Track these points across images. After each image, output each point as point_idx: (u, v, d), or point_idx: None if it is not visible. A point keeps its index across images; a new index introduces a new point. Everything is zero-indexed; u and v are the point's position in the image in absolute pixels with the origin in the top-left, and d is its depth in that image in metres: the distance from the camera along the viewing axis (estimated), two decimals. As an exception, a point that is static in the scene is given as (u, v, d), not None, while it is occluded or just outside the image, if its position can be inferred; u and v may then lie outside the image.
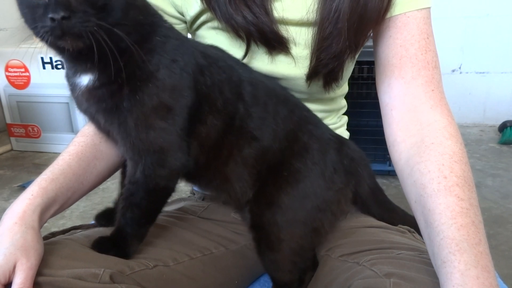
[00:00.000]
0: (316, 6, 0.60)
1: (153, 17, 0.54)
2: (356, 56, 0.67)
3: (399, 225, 0.65)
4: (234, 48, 0.64)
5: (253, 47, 0.63)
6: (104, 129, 0.57)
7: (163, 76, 0.52)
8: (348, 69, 0.70)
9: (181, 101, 0.53)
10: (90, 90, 0.52)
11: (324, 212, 0.59)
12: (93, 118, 0.56)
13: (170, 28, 0.56)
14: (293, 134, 0.60)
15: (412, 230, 0.64)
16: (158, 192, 0.55)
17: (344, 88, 0.77)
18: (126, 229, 0.54)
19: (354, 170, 0.63)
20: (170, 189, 0.56)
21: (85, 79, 0.52)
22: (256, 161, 0.59)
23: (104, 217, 0.64)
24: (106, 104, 0.51)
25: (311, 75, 0.63)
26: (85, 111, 0.55)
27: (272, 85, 0.63)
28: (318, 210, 0.59)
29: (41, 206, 0.52)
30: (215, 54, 0.59)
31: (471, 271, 0.42)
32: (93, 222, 0.69)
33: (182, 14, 0.68)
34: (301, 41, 0.63)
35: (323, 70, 0.62)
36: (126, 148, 0.54)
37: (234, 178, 0.59)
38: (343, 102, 0.79)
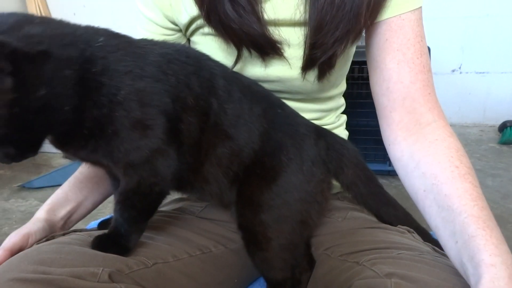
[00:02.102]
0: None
1: (82, 52, 0.48)
2: (352, 50, 0.66)
3: (399, 226, 0.65)
4: (227, 54, 0.64)
5: (246, 53, 0.63)
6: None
7: (125, 97, 0.49)
8: (346, 64, 0.70)
9: (153, 109, 0.51)
10: (57, 144, 0.52)
11: (309, 203, 0.59)
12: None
13: (104, 43, 0.51)
14: (266, 134, 0.59)
15: (411, 230, 0.64)
16: (153, 197, 0.55)
17: (341, 86, 0.76)
18: (124, 225, 0.54)
19: (331, 159, 0.62)
20: (165, 193, 0.57)
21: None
22: (231, 162, 0.58)
23: (108, 226, 0.64)
24: (80, 150, 0.51)
25: (307, 66, 0.63)
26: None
27: (247, 82, 0.62)
28: (302, 202, 0.59)
29: (49, 204, 0.65)
30: (173, 49, 0.57)
31: (503, 246, 0.44)
32: (89, 226, 0.70)
33: (174, 23, 0.68)
34: (295, 41, 0.63)
35: (323, 57, 0.61)
36: (116, 169, 0.54)
37: (211, 179, 0.59)
38: (341, 101, 0.79)
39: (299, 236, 0.60)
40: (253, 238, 0.59)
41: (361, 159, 0.65)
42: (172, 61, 0.54)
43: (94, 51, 0.48)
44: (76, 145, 0.51)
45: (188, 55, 0.57)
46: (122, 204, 0.54)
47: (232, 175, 0.59)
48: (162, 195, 0.56)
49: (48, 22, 0.48)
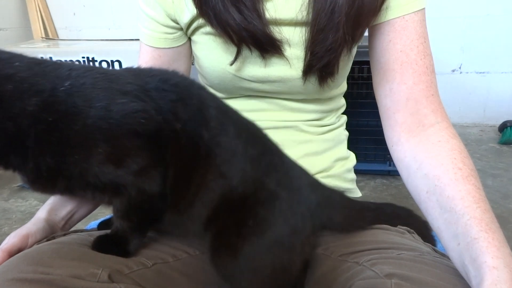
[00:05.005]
0: (308, 1, 0.60)
1: (39, 103, 0.47)
2: (353, 51, 0.66)
3: (399, 226, 0.65)
4: (228, 54, 0.64)
5: (246, 51, 0.63)
6: None
7: (85, 134, 0.47)
8: (346, 65, 0.70)
9: (128, 137, 0.49)
10: (32, 182, 0.51)
11: (293, 253, 0.56)
12: None
13: (70, 86, 0.49)
14: (259, 180, 0.56)
15: (411, 230, 0.64)
16: (147, 211, 0.54)
17: (342, 87, 0.76)
18: (124, 232, 0.54)
19: (321, 214, 0.60)
20: (159, 209, 0.55)
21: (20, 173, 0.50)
22: (219, 202, 0.54)
23: (108, 226, 0.64)
24: (57, 187, 0.51)
25: (306, 71, 0.63)
26: None
27: (245, 121, 0.59)
28: (287, 253, 0.56)
29: (50, 204, 0.64)
30: (156, 78, 0.54)
31: (505, 249, 0.44)
32: (89, 226, 0.69)
33: (176, 22, 0.68)
34: (296, 41, 0.63)
35: (318, 64, 0.61)
36: (107, 197, 0.53)
37: (195, 215, 0.55)
38: (342, 101, 0.79)
39: (281, 283, 0.57)
40: (234, 286, 0.56)
41: (350, 202, 0.64)
42: (150, 90, 0.52)
43: (55, 97, 0.47)
44: (49, 182, 0.50)
45: (176, 84, 0.54)
46: (119, 218, 0.53)
47: (216, 216, 0.55)
48: (156, 210, 0.54)
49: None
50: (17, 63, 0.48)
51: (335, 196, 0.63)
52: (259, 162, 0.56)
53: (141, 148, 0.49)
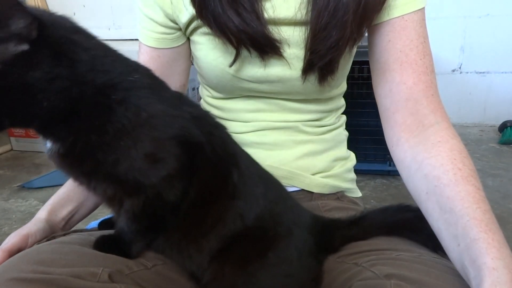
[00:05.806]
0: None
1: (108, 80, 0.49)
2: (354, 51, 0.66)
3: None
4: (227, 54, 0.64)
5: (245, 53, 0.63)
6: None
7: (134, 126, 0.49)
8: (347, 64, 0.70)
9: (168, 141, 0.51)
10: (61, 156, 0.50)
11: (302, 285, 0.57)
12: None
13: (137, 79, 0.52)
14: (279, 217, 0.59)
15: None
16: (157, 218, 0.55)
17: (342, 87, 0.76)
18: (128, 234, 0.54)
19: (325, 246, 0.61)
20: (166, 219, 0.55)
21: (50, 144, 0.50)
22: (231, 239, 0.55)
23: (109, 225, 0.63)
24: (81, 168, 0.51)
25: (306, 69, 0.63)
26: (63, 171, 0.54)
27: (262, 168, 0.62)
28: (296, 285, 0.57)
29: (51, 204, 0.65)
30: (204, 115, 0.59)
31: (505, 249, 0.44)
32: (89, 226, 0.70)
33: (175, 22, 0.68)
34: (295, 40, 0.62)
35: (319, 62, 0.61)
36: (123, 194, 0.53)
37: (205, 250, 0.55)
38: (342, 101, 0.79)
39: None
40: None
41: (351, 223, 0.63)
42: (198, 117, 0.55)
43: (123, 82, 0.50)
44: (79, 161, 0.50)
45: (217, 123, 0.59)
46: (128, 219, 0.53)
47: (225, 250, 0.55)
48: (164, 220, 0.55)
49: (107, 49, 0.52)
50: (94, 41, 0.51)
51: (334, 222, 0.64)
52: (277, 204, 0.60)
53: (176, 157, 0.51)
